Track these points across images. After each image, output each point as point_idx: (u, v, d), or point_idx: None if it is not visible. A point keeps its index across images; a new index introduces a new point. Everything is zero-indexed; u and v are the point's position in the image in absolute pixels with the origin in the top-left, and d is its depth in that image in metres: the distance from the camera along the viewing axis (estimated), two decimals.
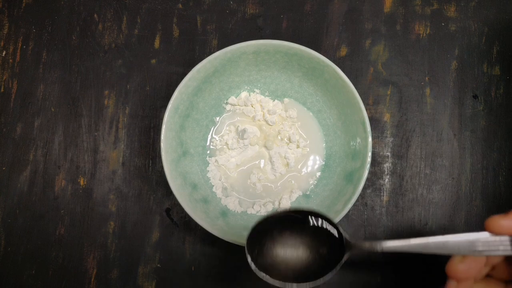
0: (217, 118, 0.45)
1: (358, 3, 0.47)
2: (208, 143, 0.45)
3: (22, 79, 0.48)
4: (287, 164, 0.44)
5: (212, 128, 0.45)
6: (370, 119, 0.41)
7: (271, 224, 0.33)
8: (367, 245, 0.31)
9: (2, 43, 0.49)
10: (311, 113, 0.45)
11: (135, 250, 0.45)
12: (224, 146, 0.44)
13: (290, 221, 0.33)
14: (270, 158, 0.44)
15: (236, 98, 0.45)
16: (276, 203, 0.43)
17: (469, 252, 0.28)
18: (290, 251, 0.33)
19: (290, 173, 0.44)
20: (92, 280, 0.45)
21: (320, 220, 0.33)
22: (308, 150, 0.44)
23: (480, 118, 0.45)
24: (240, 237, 0.40)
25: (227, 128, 0.45)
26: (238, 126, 0.44)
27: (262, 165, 0.44)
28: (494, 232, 0.28)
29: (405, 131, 0.46)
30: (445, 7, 0.47)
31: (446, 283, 0.30)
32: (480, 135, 0.45)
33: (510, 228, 0.27)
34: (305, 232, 0.33)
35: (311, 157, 0.44)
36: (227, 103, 0.45)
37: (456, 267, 0.28)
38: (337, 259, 0.32)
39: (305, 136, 0.44)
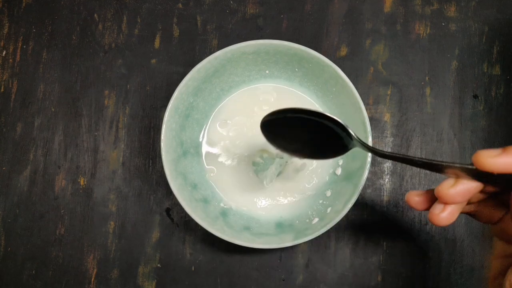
0: (218, 117, 0.45)
1: (358, 3, 0.47)
2: (208, 143, 0.45)
3: (22, 79, 0.48)
4: (287, 164, 0.44)
5: (212, 128, 0.45)
6: (370, 119, 0.41)
7: (283, 115, 0.35)
8: (368, 144, 0.34)
9: (2, 43, 0.49)
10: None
11: (135, 250, 0.45)
12: (225, 146, 0.44)
13: (302, 116, 0.35)
14: (271, 157, 0.44)
15: (236, 97, 0.45)
16: (275, 202, 0.43)
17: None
18: (302, 136, 0.36)
19: (290, 173, 0.44)
20: (92, 280, 0.45)
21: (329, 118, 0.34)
22: None
23: (480, 118, 0.45)
24: (240, 237, 0.40)
25: (228, 127, 0.45)
26: (239, 125, 0.44)
27: (262, 165, 0.44)
28: (482, 169, 0.26)
29: (405, 131, 0.46)
30: (445, 7, 0.47)
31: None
32: (480, 135, 0.45)
33: (499, 166, 0.25)
34: (315, 126, 0.35)
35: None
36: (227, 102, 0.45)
37: (446, 191, 0.28)
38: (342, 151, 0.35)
39: None
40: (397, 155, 0.30)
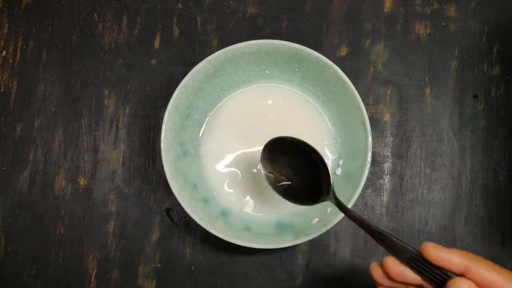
0: (217, 117, 0.45)
1: (358, 3, 0.47)
2: (208, 142, 0.44)
3: (22, 79, 0.48)
4: None
5: (212, 127, 0.45)
6: (370, 119, 0.41)
7: (278, 145, 0.38)
8: (340, 205, 0.35)
9: (2, 43, 0.49)
10: (311, 113, 0.45)
11: (135, 250, 0.45)
12: (225, 145, 0.44)
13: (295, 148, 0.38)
14: None
15: (236, 97, 0.45)
16: (275, 202, 0.43)
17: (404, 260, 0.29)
18: (291, 172, 0.39)
19: None
20: (92, 280, 0.45)
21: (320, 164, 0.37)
22: None
23: (480, 118, 0.45)
24: (240, 237, 0.40)
25: (228, 127, 0.45)
26: (239, 125, 0.44)
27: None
28: (427, 258, 0.28)
29: (405, 131, 0.46)
30: (445, 7, 0.47)
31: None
32: (480, 135, 0.45)
33: (443, 260, 0.27)
34: (306, 164, 0.38)
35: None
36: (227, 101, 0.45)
37: (393, 264, 0.29)
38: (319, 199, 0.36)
39: (305, 136, 0.44)
40: (361, 220, 0.33)
